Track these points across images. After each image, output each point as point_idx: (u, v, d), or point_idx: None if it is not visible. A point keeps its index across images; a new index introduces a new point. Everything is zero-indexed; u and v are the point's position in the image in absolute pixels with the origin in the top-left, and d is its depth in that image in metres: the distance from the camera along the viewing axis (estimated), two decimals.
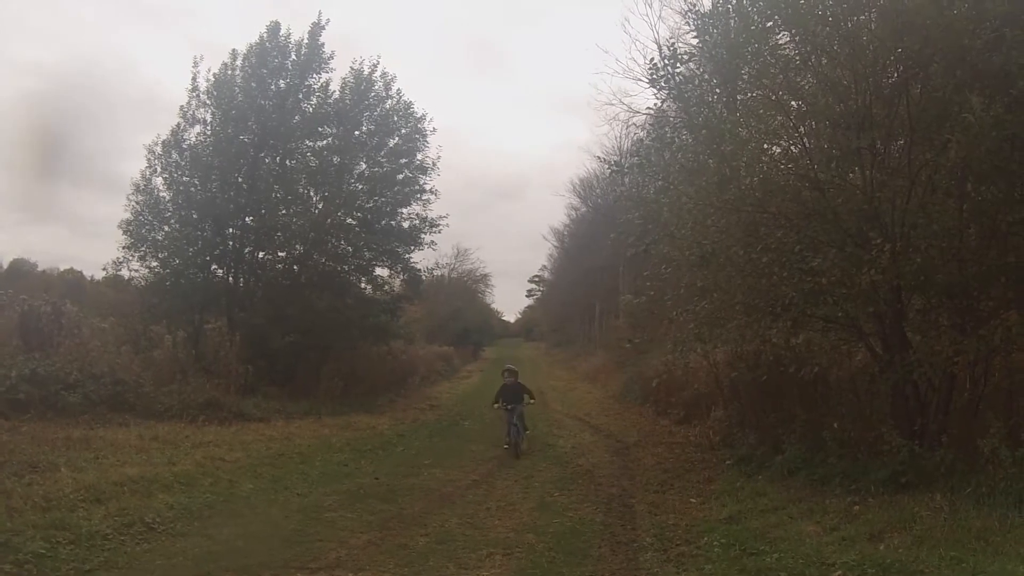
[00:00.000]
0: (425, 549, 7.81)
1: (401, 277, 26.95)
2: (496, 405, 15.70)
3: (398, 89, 25.03)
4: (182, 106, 22.41)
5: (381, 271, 26.02)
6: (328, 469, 12.53)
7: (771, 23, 9.78)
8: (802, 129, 9.78)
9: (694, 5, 11.12)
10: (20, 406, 13.58)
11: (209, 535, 8.11)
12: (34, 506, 7.95)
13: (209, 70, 22.67)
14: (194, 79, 22.37)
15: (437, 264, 44.48)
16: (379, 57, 27.04)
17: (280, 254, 23.98)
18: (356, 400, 21.88)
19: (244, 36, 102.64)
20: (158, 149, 22.02)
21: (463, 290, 67.39)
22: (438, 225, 25.83)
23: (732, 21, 10.34)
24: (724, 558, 7.28)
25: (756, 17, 9.89)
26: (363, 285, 25.93)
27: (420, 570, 7.09)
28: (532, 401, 16.28)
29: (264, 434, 15.11)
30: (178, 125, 22.30)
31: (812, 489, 9.59)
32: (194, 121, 22.47)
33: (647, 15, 37.83)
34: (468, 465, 13.38)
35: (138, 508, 8.51)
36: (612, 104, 40.00)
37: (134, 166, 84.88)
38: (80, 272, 33.75)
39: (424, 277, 29.06)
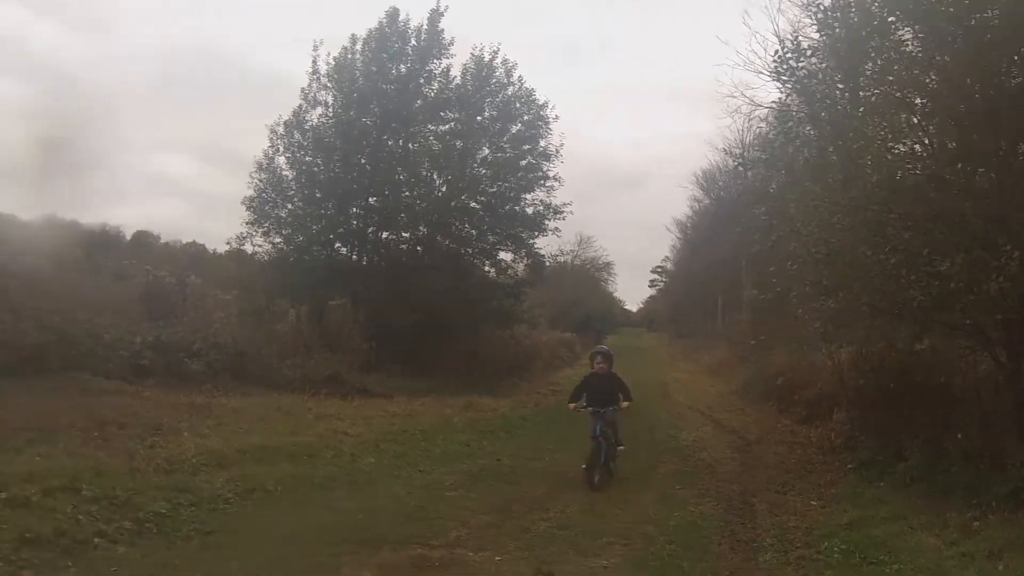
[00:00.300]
0: (546, 534, 7.81)
1: (525, 262, 27.33)
2: (573, 405, 11.16)
3: (519, 76, 25.50)
4: (303, 88, 23.47)
5: (505, 255, 26.56)
6: (450, 448, 12.75)
7: (892, 18, 9.41)
8: (929, 128, 9.41)
9: None
10: (144, 372, 14.14)
11: (330, 506, 8.34)
12: (156, 468, 8.25)
13: (329, 54, 23.55)
14: (314, 62, 23.42)
15: (560, 251, 44.82)
16: (499, 44, 27.36)
17: (404, 235, 24.77)
18: (478, 382, 22.12)
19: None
20: (280, 129, 23.15)
21: (585, 278, 67.18)
22: (562, 212, 26.19)
23: (853, 15, 10.02)
24: (844, 565, 7.19)
25: (877, 12, 9.54)
26: (487, 268, 26.48)
27: (541, 554, 6.96)
28: (627, 404, 11.05)
29: (387, 410, 15.54)
30: (300, 107, 23.41)
31: (933, 499, 9.29)
32: (315, 103, 23.51)
33: (767, 7, 36.75)
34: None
35: (260, 475, 8.83)
36: (733, 96, 38.89)
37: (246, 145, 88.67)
38: (203, 245, 35.03)
39: (547, 263, 29.36)
